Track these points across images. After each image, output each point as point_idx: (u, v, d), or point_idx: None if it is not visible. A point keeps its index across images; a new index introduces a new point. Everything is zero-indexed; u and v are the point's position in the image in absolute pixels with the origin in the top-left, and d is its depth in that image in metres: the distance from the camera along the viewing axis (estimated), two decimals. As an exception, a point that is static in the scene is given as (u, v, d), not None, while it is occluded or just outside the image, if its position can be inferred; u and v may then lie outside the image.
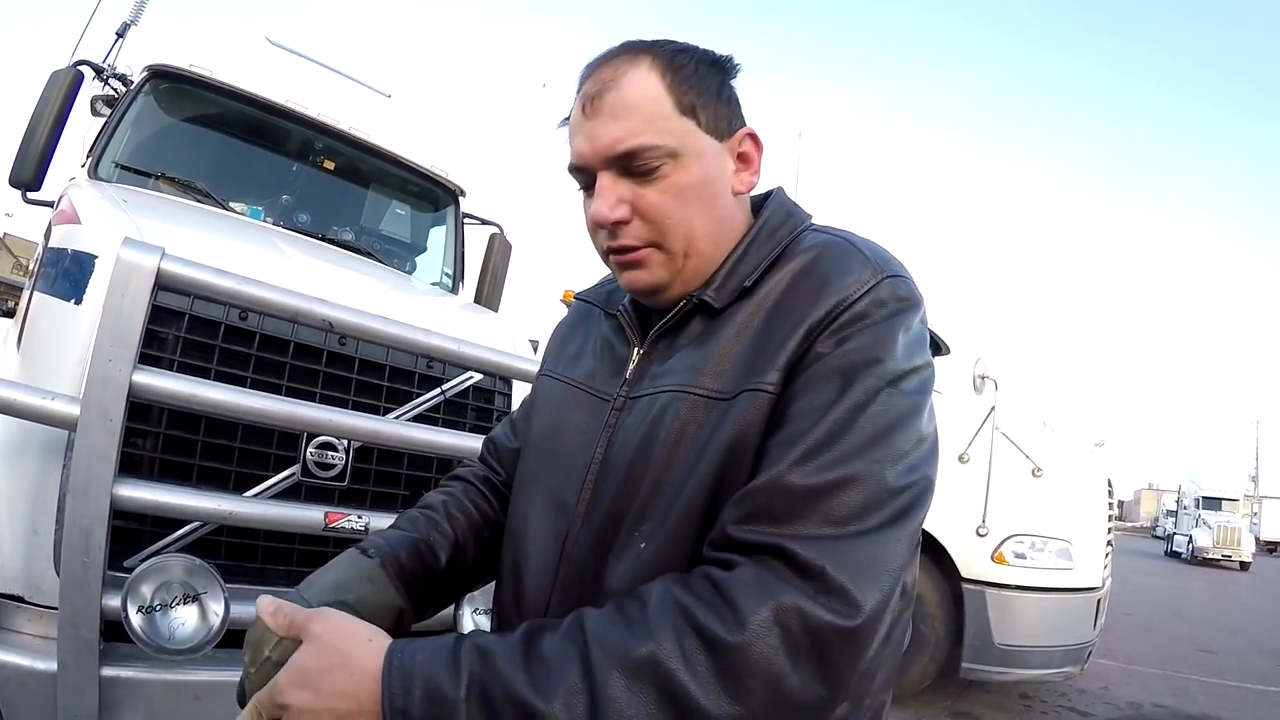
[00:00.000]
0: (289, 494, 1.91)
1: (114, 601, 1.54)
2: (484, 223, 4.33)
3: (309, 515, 1.82)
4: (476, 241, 4.31)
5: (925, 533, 4.46)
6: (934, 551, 4.92)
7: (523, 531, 0.99)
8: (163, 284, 1.59)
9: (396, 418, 2.08)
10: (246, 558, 1.94)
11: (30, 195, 3.17)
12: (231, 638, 1.62)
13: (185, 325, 1.85)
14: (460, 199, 4.13)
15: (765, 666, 0.67)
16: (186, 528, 1.81)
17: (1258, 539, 31.93)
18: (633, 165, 0.89)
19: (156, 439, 1.81)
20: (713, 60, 0.95)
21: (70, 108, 3.21)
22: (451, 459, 2.26)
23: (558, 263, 8.29)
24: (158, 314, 1.76)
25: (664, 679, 0.68)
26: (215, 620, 1.56)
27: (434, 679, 0.70)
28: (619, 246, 0.92)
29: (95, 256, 1.92)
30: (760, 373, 0.83)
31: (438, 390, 2.24)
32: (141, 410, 1.76)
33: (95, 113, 3.83)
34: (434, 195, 4.03)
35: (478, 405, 2.40)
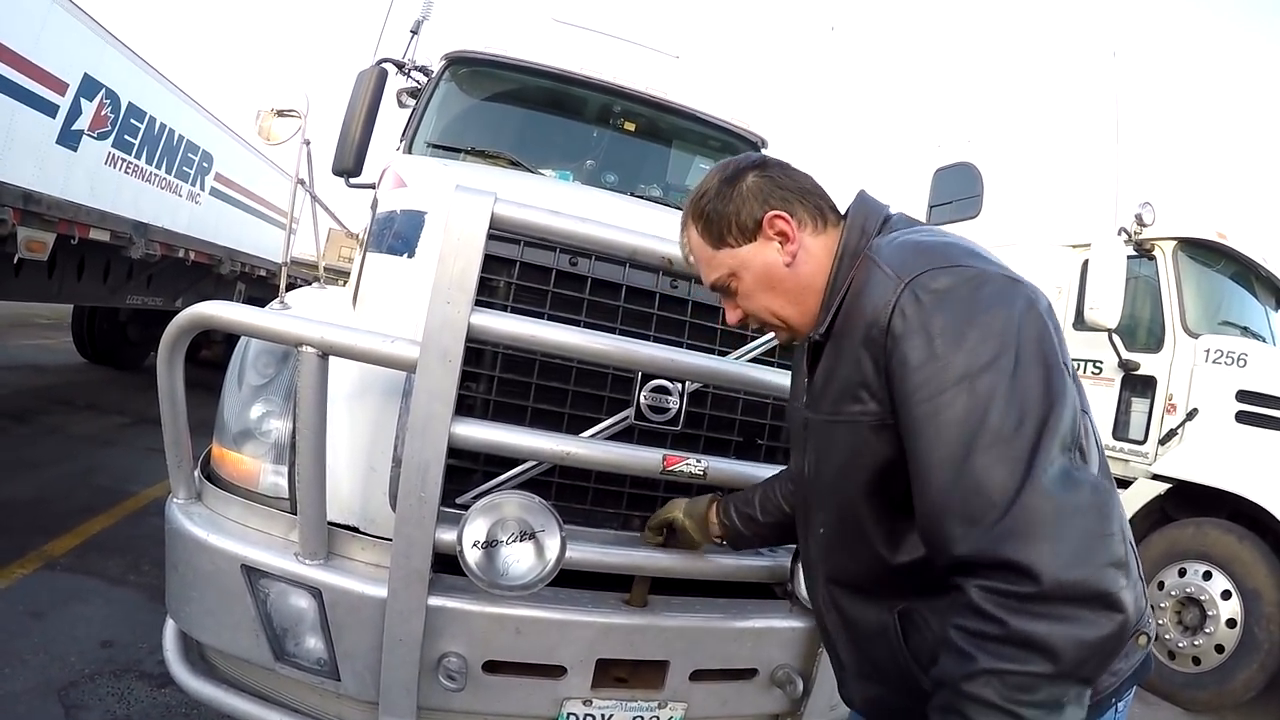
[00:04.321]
0: (620, 438, 1.90)
1: (447, 536, 1.60)
2: None
3: (647, 458, 1.78)
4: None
5: (1256, 519, 3.98)
6: (1276, 539, 4.25)
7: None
8: (496, 226, 1.62)
9: (735, 360, 2.01)
10: (577, 500, 1.95)
11: (352, 181, 3.54)
12: (561, 577, 1.65)
13: (516, 272, 1.88)
14: (764, 150, 4.08)
15: None
16: (519, 468, 1.84)
17: None
18: (719, 290, 1.32)
19: (490, 382, 1.86)
20: (727, 178, 1.27)
21: (379, 101, 3.57)
22: (784, 403, 2.18)
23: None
24: (489, 263, 1.81)
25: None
26: (550, 558, 1.56)
27: None
28: (756, 328, 1.50)
29: (424, 213, 2.04)
30: (855, 404, 1.12)
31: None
32: (474, 355, 1.82)
33: (401, 105, 4.24)
34: (736, 148, 4.02)
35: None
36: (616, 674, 1.89)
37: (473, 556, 1.52)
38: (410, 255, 2.01)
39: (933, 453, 0.98)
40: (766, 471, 1.85)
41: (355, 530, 1.85)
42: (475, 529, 1.53)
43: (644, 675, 1.91)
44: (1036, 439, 0.93)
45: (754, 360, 2.01)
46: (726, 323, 1.37)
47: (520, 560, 1.55)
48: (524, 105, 3.67)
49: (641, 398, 1.91)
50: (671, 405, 1.94)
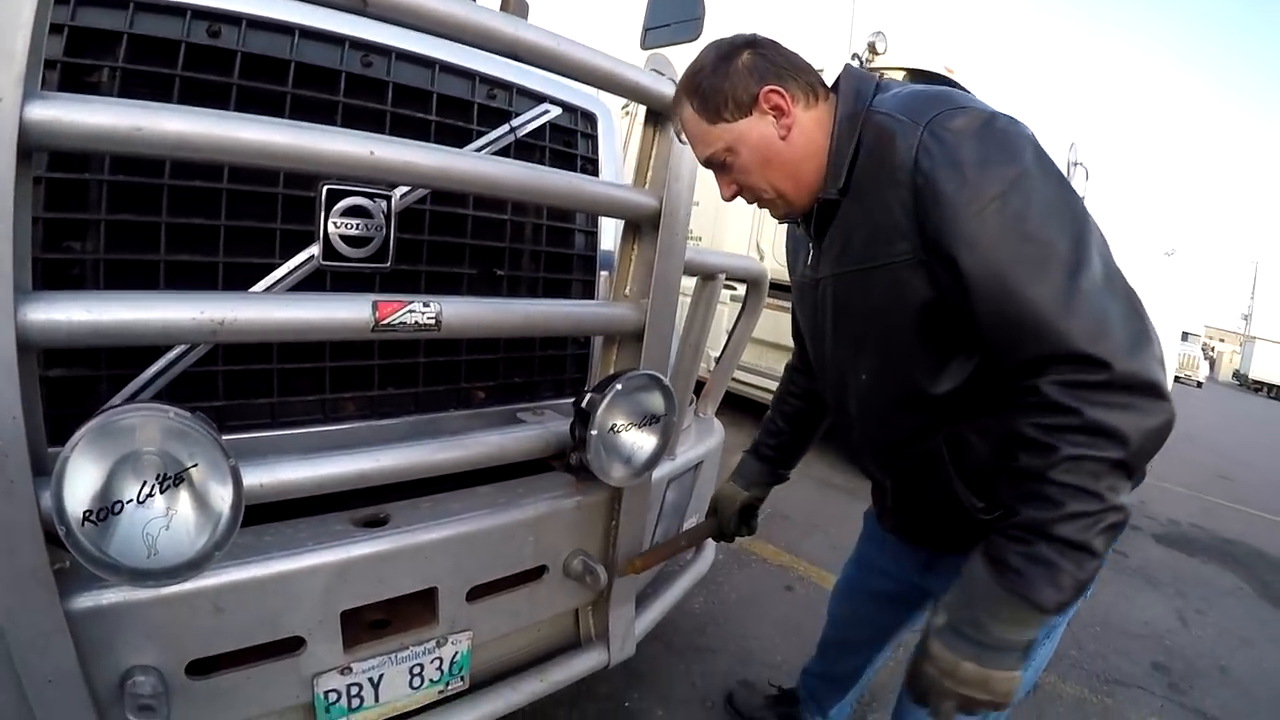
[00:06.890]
0: (307, 290, 1.34)
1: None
2: None
3: (348, 310, 1.14)
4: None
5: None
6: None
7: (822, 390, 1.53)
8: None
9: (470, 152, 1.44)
10: (257, 392, 1.37)
11: None
12: (261, 509, 1.15)
13: (124, 53, 1.18)
14: None
15: None
16: (160, 361, 1.22)
17: (1212, 364, 45.61)
18: (714, 166, 1.31)
19: (98, 234, 1.18)
20: (722, 56, 1.24)
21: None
22: (525, 221, 1.72)
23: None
24: (80, 41, 1.15)
25: None
26: (222, 508, 0.97)
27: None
28: (750, 202, 1.35)
29: None
30: (888, 246, 1.16)
31: (506, 126, 1.63)
32: (62, 192, 1.15)
33: None
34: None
35: (556, 148, 1.78)
36: (372, 619, 1.41)
37: (85, 535, 0.88)
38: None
39: (984, 266, 1.03)
40: (516, 309, 1.39)
41: None
42: (80, 484, 0.88)
43: (408, 612, 1.44)
44: (1080, 243, 1.01)
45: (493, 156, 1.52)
46: (723, 198, 1.33)
47: (171, 521, 0.94)
48: None
49: (331, 225, 1.33)
50: (373, 234, 1.38)
